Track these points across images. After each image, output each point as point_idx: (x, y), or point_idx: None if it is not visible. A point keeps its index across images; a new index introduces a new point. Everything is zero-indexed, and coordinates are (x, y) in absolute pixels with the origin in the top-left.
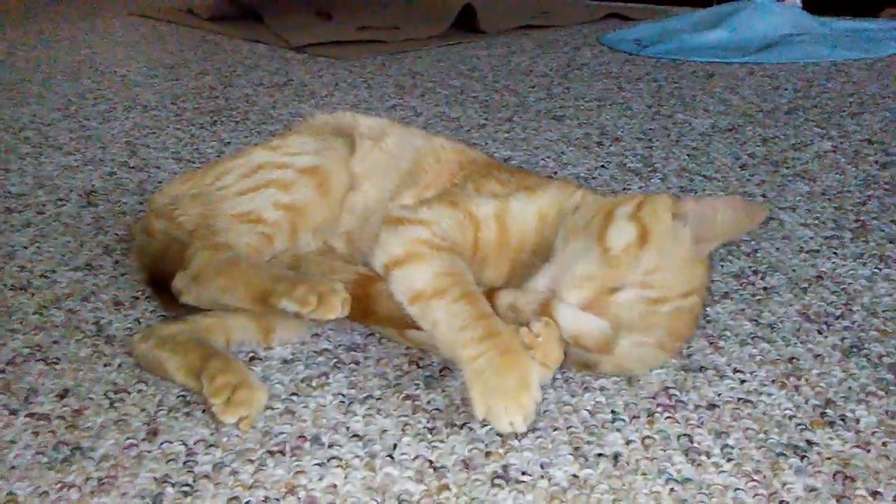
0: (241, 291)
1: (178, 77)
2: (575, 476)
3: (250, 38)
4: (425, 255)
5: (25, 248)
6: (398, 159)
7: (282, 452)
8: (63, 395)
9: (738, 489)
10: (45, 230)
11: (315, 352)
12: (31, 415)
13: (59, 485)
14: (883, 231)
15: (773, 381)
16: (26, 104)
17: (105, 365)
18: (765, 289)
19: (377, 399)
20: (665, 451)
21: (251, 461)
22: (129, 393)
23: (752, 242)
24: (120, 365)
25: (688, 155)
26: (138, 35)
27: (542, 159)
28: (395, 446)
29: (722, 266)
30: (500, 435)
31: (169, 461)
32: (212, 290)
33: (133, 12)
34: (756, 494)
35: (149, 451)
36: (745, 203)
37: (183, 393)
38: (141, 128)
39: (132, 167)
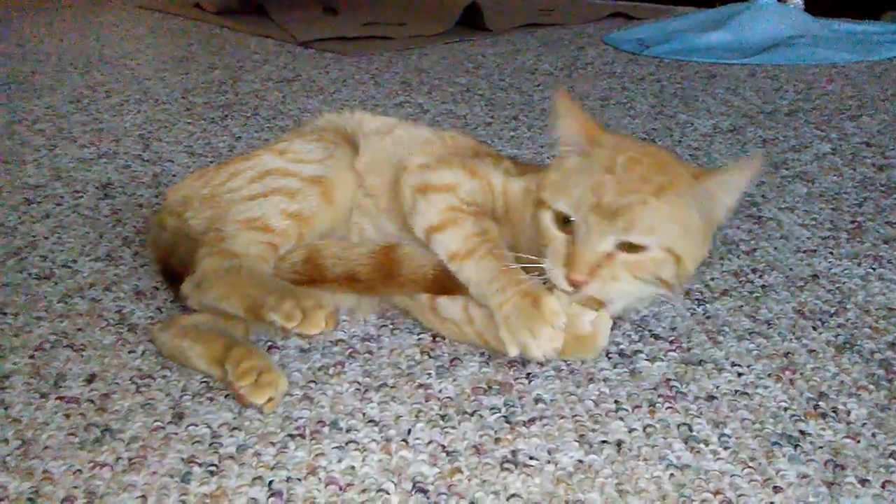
0: (237, 301)
1: (187, 71)
2: (580, 461)
3: (258, 33)
4: (458, 219)
5: (46, 238)
6: (407, 143)
7: (302, 436)
8: (90, 379)
9: (734, 475)
10: (65, 221)
11: (330, 342)
12: (60, 398)
13: (91, 464)
14: (878, 232)
15: (769, 375)
16: (39, 96)
17: (129, 352)
18: (762, 287)
19: (391, 387)
20: (665, 439)
21: (273, 444)
22: (153, 378)
23: (752, 242)
24: (143, 352)
25: (690, 155)
26: (146, 28)
27: (548, 157)
28: (409, 431)
29: (721, 264)
30: (508, 422)
31: (195, 443)
32: (211, 297)
33: (140, 5)
34: (751, 480)
35: (175, 434)
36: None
37: (205, 380)
38: (153, 121)
39: (146, 160)
